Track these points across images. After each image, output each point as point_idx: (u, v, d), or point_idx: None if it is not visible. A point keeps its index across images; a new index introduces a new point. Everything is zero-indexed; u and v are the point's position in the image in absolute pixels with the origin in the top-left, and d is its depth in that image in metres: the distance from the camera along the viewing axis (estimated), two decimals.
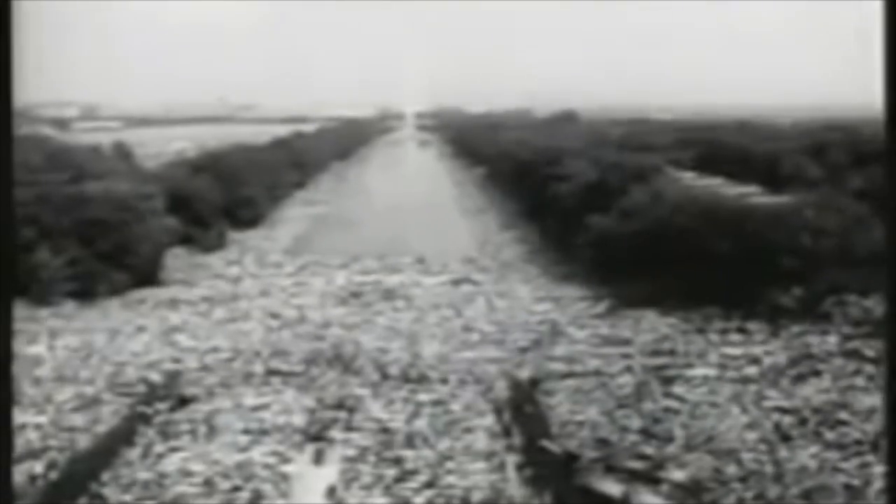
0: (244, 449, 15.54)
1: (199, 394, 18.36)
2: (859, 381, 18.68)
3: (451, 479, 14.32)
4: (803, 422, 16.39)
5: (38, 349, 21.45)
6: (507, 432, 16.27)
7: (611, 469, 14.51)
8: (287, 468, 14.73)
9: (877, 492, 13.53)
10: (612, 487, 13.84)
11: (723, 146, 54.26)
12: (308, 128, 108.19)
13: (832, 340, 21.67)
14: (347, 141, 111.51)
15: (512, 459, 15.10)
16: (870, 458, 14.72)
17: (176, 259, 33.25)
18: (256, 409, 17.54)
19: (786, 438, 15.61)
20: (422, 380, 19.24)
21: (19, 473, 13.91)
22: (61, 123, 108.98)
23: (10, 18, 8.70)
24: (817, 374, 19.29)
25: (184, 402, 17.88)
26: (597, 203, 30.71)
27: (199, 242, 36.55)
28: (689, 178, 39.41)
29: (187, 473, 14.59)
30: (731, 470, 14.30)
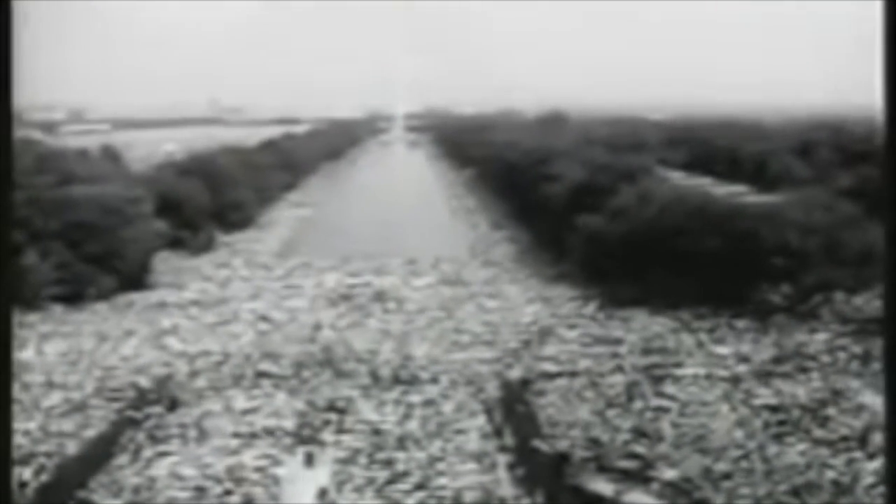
0: (235, 452, 15.48)
1: (189, 397, 18.26)
2: (847, 378, 18.80)
3: (442, 480, 14.32)
4: (792, 419, 16.49)
5: (27, 354, 21.28)
6: (498, 433, 16.27)
7: (602, 468, 14.55)
8: (278, 471, 14.67)
9: (865, 488, 13.61)
10: (604, 487, 13.88)
11: (712, 146, 54.63)
12: (298, 129, 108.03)
13: (820, 338, 21.82)
14: (337, 142, 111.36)
15: (503, 460, 15.11)
16: (858, 454, 14.82)
17: (165, 262, 33.11)
18: (247, 412, 17.47)
19: (775, 436, 15.69)
20: (413, 381, 19.22)
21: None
22: (49, 127, 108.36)
23: (11, 20, 8.62)
24: (805, 371, 19.41)
25: (173, 405, 17.79)
26: (586, 203, 30.73)
27: (188, 245, 36.42)
28: (678, 177, 39.63)
29: (178, 477, 14.52)
30: (721, 468, 14.35)
